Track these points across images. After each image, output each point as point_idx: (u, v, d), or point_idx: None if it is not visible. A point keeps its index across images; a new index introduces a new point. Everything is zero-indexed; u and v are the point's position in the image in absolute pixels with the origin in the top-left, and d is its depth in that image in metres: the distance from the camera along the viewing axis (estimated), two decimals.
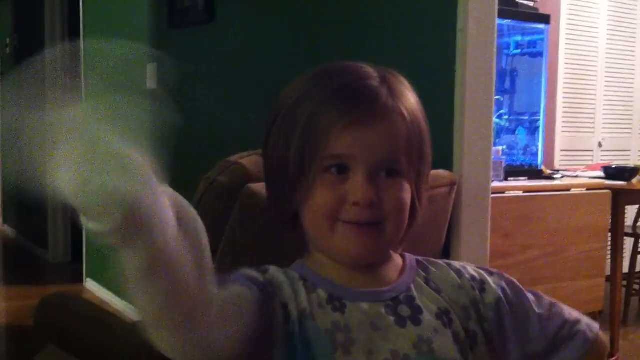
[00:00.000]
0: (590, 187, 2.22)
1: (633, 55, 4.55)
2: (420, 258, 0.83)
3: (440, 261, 0.83)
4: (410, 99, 0.78)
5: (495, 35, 1.77)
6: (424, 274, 0.80)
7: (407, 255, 0.83)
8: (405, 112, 0.76)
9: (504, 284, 0.81)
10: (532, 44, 2.59)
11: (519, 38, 2.62)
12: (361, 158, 0.73)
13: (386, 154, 0.74)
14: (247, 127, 2.62)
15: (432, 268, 0.81)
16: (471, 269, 0.82)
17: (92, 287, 4.07)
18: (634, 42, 4.55)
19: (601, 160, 4.28)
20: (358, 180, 0.73)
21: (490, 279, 0.81)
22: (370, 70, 0.78)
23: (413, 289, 0.77)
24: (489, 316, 0.78)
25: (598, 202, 2.09)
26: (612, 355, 1.81)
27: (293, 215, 0.79)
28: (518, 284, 0.83)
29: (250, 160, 1.37)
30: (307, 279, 0.76)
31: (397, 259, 0.82)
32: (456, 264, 0.83)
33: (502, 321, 0.78)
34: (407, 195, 0.76)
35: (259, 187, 1.32)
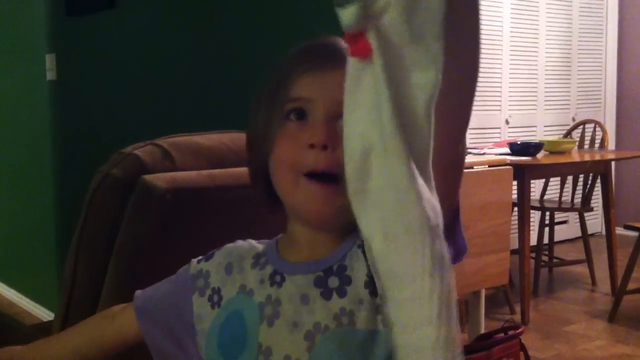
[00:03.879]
0: (492, 164, 2.27)
1: (536, 34, 4.71)
2: None
3: None
4: None
5: None
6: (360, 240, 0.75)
7: None
8: None
9: None
10: None
11: None
12: (319, 101, 0.73)
13: None
14: (149, 116, 2.55)
15: None
16: None
17: None
18: (537, 21, 4.70)
19: (509, 136, 4.41)
20: (315, 122, 0.73)
21: None
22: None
23: (348, 257, 0.73)
24: None
25: (500, 178, 2.14)
26: (518, 327, 1.86)
27: (269, 191, 0.78)
28: None
29: (146, 150, 1.32)
30: (266, 254, 0.80)
31: None
32: None
33: None
34: None
35: (154, 177, 1.28)
